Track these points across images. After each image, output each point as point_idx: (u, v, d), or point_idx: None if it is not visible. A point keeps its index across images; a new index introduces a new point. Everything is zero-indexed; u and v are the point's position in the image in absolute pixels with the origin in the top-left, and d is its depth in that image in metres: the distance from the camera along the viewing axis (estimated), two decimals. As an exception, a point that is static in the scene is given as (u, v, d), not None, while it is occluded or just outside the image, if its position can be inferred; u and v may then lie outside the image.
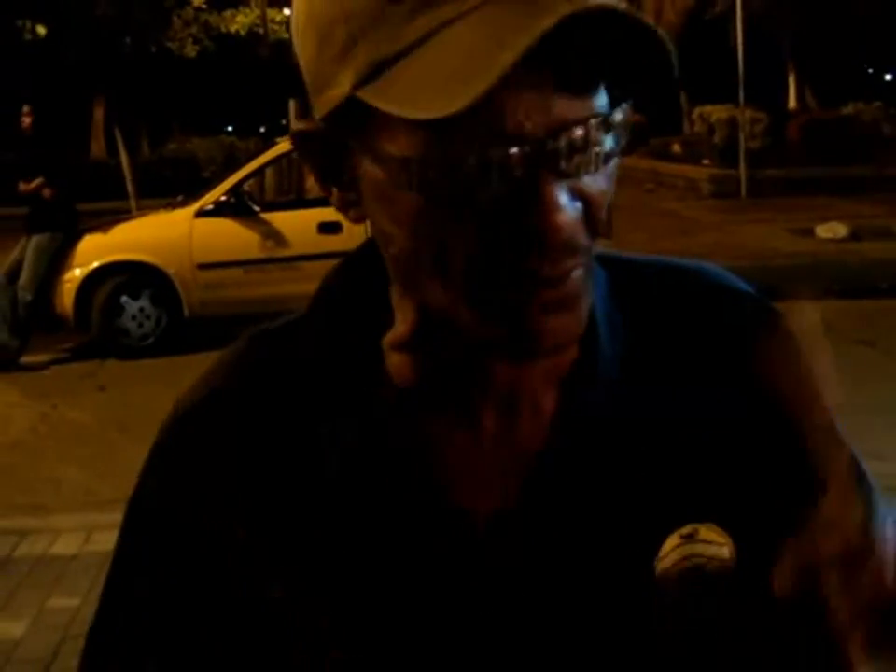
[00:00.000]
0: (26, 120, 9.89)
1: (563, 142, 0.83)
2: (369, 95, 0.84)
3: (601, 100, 0.87)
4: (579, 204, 0.87)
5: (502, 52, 0.77)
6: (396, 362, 1.00)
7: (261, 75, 21.09)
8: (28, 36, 19.68)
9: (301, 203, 11.24)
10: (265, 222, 10.25)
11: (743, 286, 1.09)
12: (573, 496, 0.98)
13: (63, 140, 11.51)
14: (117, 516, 4.11)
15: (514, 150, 0.82)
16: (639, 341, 1.03)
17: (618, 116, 0.87)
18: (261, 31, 21.91)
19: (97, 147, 23.75)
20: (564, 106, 0.83)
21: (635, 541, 0.97)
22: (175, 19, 22.00)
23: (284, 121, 22.20)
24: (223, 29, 23.52)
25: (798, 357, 0.96)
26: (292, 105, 18.95)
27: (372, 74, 0.85)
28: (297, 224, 10.21)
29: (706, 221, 16.43)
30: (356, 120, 0.87)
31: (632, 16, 0.80)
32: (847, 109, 22.56)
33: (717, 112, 22.09)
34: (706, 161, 21.86)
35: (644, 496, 0.99)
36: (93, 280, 9.96)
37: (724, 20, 24.30)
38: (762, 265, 12.43)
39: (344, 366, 1.02)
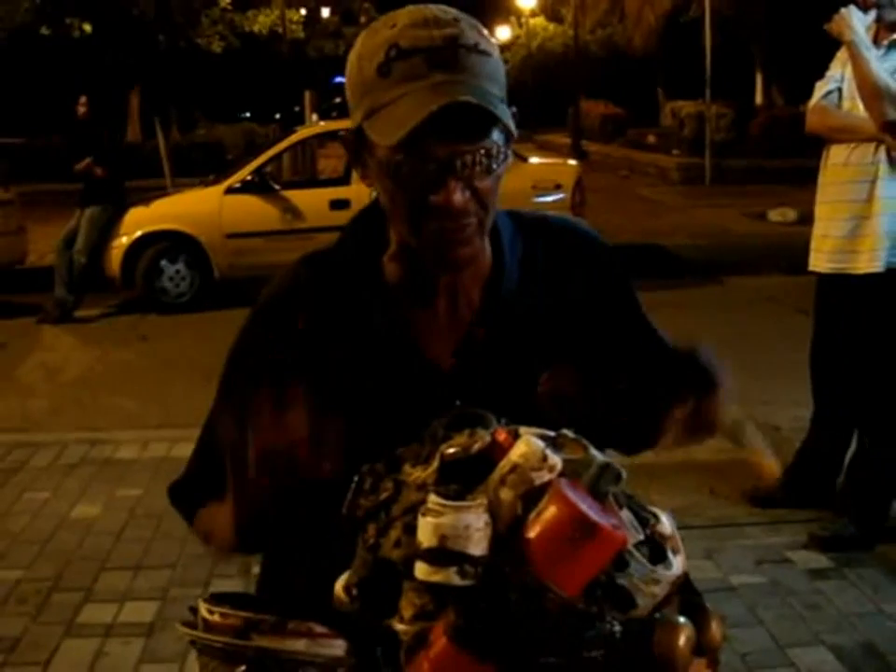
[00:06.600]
0: (81, 109, 9.98)
1: (459, 162, 1.25)
2: (365, 126, 1.29)
3: (492, 138, 1.26)
4: (468, 193, 1.27)
5: (415, 117, 1.21)
6: (389, 269, 1.40)
7: (279, 69, 20.77)
8: (76, 34, 19.35)
9: (316, 182, 11.32)
10: (285, 199, 10.35)
11: (591, 231, 1.53)
12: (493, 346, 1.39)
13: (115, 126, 11.39)
14: (166, 433, 5.50)
15: (432, 165, 1.25)
16: (530, 258, 1.44)
17: (495, 149, 1.27)
18: (280, 30, 21.59)
19: (132, 132, 23.36)
20: (463, 143, 1.25)
21: (528, 366, 1.34)
22: (203, 18, 21.56)
23: (297, 108, 21.50)
24: (246, 28, 22.97)
25: (620, 272, 1.50)
26: (307, 95, 18.84)
27: (368, 115, 1.28)
28: (312, 201, 10.34)
29: (672, 205, 16.42)
30: (364, 136, 1.30)
31: (478, 104, 1.21)
32: (805, 107, 22.08)
33: (686, 107, 21.86)
34: (675, 152, 21.50)
35: (533, 343, 1.39)
36: (137, 247, 10.18)
37: (699, 22, 22.76)
38: (717, 243, 12.33)
39: (360, 271, 1.41)
